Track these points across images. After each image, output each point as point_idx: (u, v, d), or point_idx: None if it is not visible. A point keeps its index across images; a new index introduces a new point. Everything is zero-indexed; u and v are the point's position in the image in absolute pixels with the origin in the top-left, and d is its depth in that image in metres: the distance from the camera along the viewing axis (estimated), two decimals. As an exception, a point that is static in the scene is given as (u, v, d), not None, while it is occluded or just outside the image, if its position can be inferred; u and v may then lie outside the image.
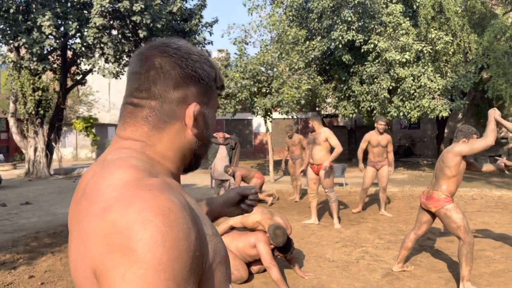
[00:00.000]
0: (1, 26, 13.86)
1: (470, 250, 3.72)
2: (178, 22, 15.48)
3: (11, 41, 13.98)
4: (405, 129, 22.63)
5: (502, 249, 5.05)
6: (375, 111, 14.30)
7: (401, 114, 14.11)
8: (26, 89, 14.62)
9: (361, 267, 4.58)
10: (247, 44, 13.67)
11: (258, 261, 4.19)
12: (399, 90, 13.80)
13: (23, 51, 14.69)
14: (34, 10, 13.36)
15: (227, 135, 9.64)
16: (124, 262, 0.59)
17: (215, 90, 0.87)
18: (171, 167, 0.80)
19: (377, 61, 13.55)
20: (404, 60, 13.02)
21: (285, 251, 4.04)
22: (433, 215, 4.08)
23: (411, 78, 13.32)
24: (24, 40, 13.22)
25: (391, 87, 13.70)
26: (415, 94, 13.59)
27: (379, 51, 13.17)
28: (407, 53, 12.99)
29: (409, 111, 13.79)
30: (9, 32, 13.66)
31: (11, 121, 15.75)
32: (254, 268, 4.36)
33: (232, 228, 4.40)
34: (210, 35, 16.52)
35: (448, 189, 3.91)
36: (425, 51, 13.15)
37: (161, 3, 14.04)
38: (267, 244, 3.99)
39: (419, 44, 13.26)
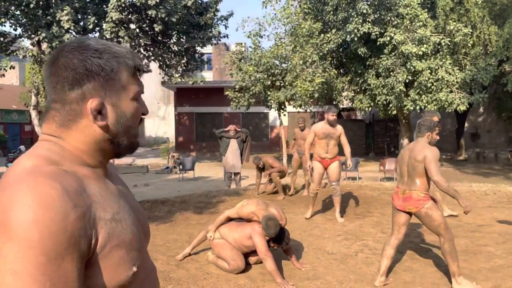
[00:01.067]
0: (23, 21, 14.26)
1: (452, 246, 3.68)
2: (193, 15, 15.60)
3: (32, 35, 14.38)
4: (424, 123, 22.24)
5: (505, 245, 4.97)
6: (391, 105, 14.12)
7: (417, 107, 13.88)
8: (47, 82, 15.03)
9: (358, 260, 4.60)
10: (262, 38, 13.69)
11: (255, 252, 4.26)
12: (415, 83, 13.57)
13: (44, 45, 15.11)
14: (53, 5, 13.69)
15: (238, 129, 9.72)
16: (2, 238, 0.69)
17: (123, 75, 0.89)
18: (86, 158, 0.89)
19: (393, 54, 13.33)
20: (421, 52, 12.77)
21: (279, 242, 4.09)
22: (410, 215, 3.89)
23: (428, 71, 13.07)
24: (44, 35, 13.59)
25: (407, 80, 13.48)
26: (432, 87, 13.34)
27: (396, 43, 12.96)
28: (424, 45, 12.74)
29: (426, 104, 13.55)
30: (29, 26, 14.04)
31: (33, 114, 16.24)
32: (252, 259, 4.44)
33: (230, 220, 4.48)
34: (226, 28, 16.58)
35: (424, 187, 3.76)
36: (443, 44, 12.87)
37: (177, -3, 14.16)
38: (262, 236, 4.05)
39: (437, 36, 12.98)
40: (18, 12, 14.18)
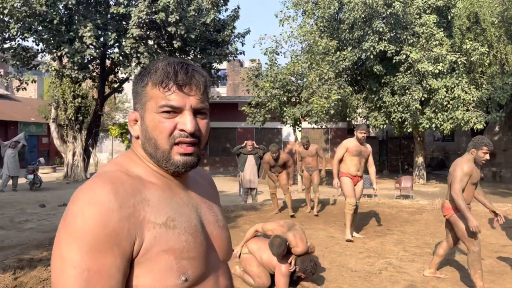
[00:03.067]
0: (46, 36, 14.68)
1: (476, 258, 3.94)
2: (211, 32, 15.90)
3: (54, 51, 14.78)
4: (439, 141, 22.14)
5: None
6: (406, 122, 14.13)
7: (433, 126, 13.88)
8: (67, 96, 15.38)
9: (383, 278, 4.60)
10: (278, 55, 13.89)
11: None
12: (431, 101, 13.60)
13: (65, 60, 15.49)
14: (76, 22, 14.09)
15: (256, 145, 9.80)
16: (60, 225, 0.83)
17: (148, 89, 0.93)
18: (151, 165, 0.96)
19: (409, 72, 13.42)
20: (437, 71, 12.84)
21: (304, 270, 4.03)
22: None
23: (444, 89, 13.12)
24: (66, 50, 13.95)
25: (423, 98, 13.53)
26: (448, 105, 13.36)
27: (411, 62, 13.06)
28: (441, 64, 12.82)
29: (442, 122, 13.55)
30: (52, 42, 14.43)
31: (52, 126, 16.57)
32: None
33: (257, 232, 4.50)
34: (242, 45, 16.85)
35: None
36: (460, 62, 12.92)
37: (195, 14, 14.47)
38: (285, 276, 4.02)
39: (453, 55, 13.05)
40: (41, 28, 14.62)
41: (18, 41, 15.02)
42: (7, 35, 14.38)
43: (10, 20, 13.69)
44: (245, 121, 14.67)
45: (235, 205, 9.36)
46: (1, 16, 13.66)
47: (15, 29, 13.66)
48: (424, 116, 13.98)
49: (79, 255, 0.78)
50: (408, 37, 13.36)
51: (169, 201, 0.91)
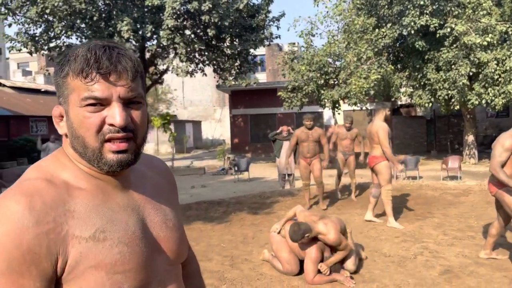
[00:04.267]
0: (88, 33, 15.23)
1: None
2: (245, 18, 15.78)
3: (96, 47, 15.30)
4: (492, 117, 20.85)
5: None
6: (453, 100, 13.38)
7: (483, 102, 13.04)
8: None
9: (418, 263, 4.40)
10: (314, 36, 13.56)
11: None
12: (480, 76, 12.76)
13: (107, 55, 16.01)
14: (114, 17, 14.48)
15: (291, 130, 9.69)
16: None
17: (68, 79, 0.81)
18: (82, 166, 0.86)
19: (454, 46, 12.64)
20: (485, 43, 11.99)
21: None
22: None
23: (495, 62, 12.25)
24: (106, 45, 14.39)
25: (471, 73, 12.72)
26: (499, 79, 12.48)
27: (457, 35, 12.27)
28: (490, 35, 11.95)
29: (493, 98, 12.70)
30: (93, 38, 14.95)
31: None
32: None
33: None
34: (277, 29, 16.60)
35: None
36: (511, 32, 11.98)
37: (229, 1, 14.40)
38: (314, 262, 3.95)
39: (503, 25, 12.12)
40: (83, 25, 15.17)
41: (63, 39, 15.68)
42: (52, 34, 15.05)
43: (54, 20, 14.31)
44: (283, 106, 14.52)
45: (272, 191, 9.34)
46: (45, 16, 14.30)
47: (59, 27, 14.26)
48: (473, 92, 13.15)
49: None
50: (453, 9, 12.54)
51: (100, 208, 0.82)
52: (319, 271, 3.98)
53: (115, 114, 0.80)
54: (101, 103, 0.80)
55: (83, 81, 0.79)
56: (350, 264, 4.13)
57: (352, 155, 8.49)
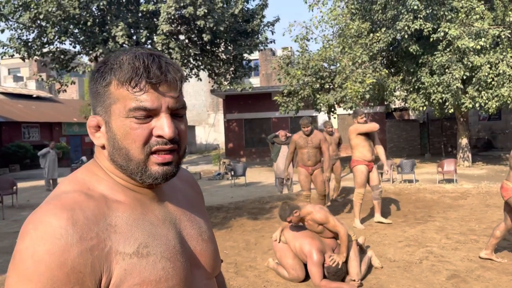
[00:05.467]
0: (81, 38, 15.12)
1: None
2: (240, 23, 15.79)
3: (90, 52, 15.21)
4: (484, 120, 21.05)
5: None
6: (447, 103, 13.50)
7: (477, 105, 13.17)
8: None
9: (424, 268, 4.39)
10: (309, 41, 13.60)
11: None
12: (474, 79, 12.90)
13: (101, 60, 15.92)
14: (109, 22, 14.40)
15: (288, 134, 9.67)
16: (10, 267, 0.70)
17: (112, 87, 0.77)
18: (118, 179, 0.82)
19: (448, 49, 12.77)
20: (479, 47, 12.13)
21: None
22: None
23: (488, 66, 12.39)
24: (101, 50, 14.31)
25: (464, 77, 12.84)
26: (492, 83, 12.63)
27: (450, 39, 12.40)
28: (483, 39, 12.09)
29: (486, 101, 12.84)
30: (87, 43, 14.85)
31: (92, 126, 17.11)
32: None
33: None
34: (272, 34, 16.64)
35: None
36: (503, 36, 12.14)
37: (224, 6, 14.41)
38: (317, 265, 3.93)
39: (496, 29, 12.27)
40: (76, 30, 15.06)
41: (56, 44, 15.55)
42: (45, 40, 14.92)
43: (47, 25, 14.19)
44: (279, 110, 14.53)
45: (270, 195, 9.30)
46: (38, 21, 14.18)
47: (52, 33, 14.15)
48: (467, 95, 13.28)
49: None
50: (446, 13, 12.68)
51: (141, 222, 0.78)
52: (325, 277, 3.96)
53: (164, 126, 0.77)
54: (149, 114, 0.77)
55: (130, 90, 0.76)
56: (354, 273, 4.09)
57: (338, 160, 8.60)
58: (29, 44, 14.92)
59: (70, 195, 0.74)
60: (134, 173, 0.79)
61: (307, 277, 4.20)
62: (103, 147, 0.81)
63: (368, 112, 21.11)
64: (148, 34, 14.51)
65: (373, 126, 6.30)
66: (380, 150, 6.53)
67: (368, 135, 6.34)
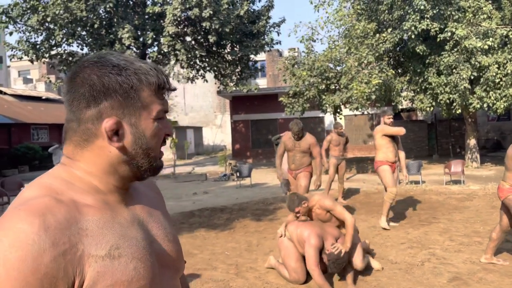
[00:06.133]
0: (88, 40, 15.26)
1: None
2: (246, 24, 15.81)
3: (97, 54, 15.34)
4: (493, 121, 20.82)
5: None
6: (455, 104, 13.37)
7: (485, 105, 13.02)
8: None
9: (425, 270, 4.35)
10: (314, 41, 13.57)
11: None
12: (482, 79, 12.75)
13: (108, 62, 16.04)
14: (115, 24, 14.51)
15: (294, 134, 9.67)
16: None
17: (143, 93, 0.83)
18: (97, 183, 0.83)
19: (455, 50, 12.63)
20: (486, 47, 11.99)
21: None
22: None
23: (496, 66, 12.24)
24: (107, 52, 14.42)
25: (472, 77, 12.71)
26: (501, 83, 12.47)
27: (458, 39, 12.27)
28: (490, 39, 11.96)
29: (494, 101, 12.68)
30: (94, 45, 14.98)
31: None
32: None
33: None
34: (278, 35, 16.63)
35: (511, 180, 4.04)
36: (511, 36, 11.98)
37: (229, 7, 14.44)
38: (314, 248, 3.92)
39: (503, 28, 12.13)
40: (84, 33, 15.20)
41: (64, 47, 15.72)
42: (53, 42, 15.09)
43: (55, 27, 14.34)
44: (285, 111, 14.52)
45: (275, 197, 9.30)
46: (46, 24, 14.34)
47: (60, 35, 14.30)
48: (475, 95, 13.14)
49: None
50: (453, 13, 12.56)
51: (111, 224, 0.79)
52: (324, 265, 3.93)
53: (169, 126, 0.90)
54: (163, 116, 0.88)
55: (159, 96, 0.86)
56: (357, 260, 4.10)
57: (344, 161, 8.66)
58: (37, 46, 15.10)
59: (40, 200, 0.74)
60: (144, 168, 0.86)
61: (307, 279, 4.19)
62: (120, 148, 0.82)
63: (375, 113, 21.00)
64: (154, 36, 14.60)
65: (399, 130, 6.17)
66: (401, 155, 6.50)
67: (393, 138, 6.29)
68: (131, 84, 0.82)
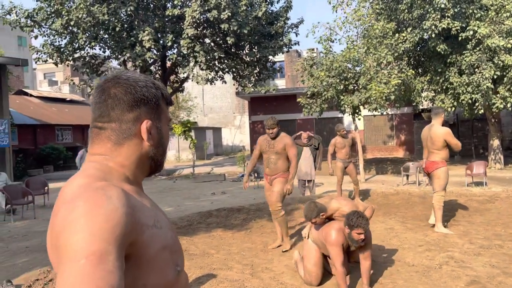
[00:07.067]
0: (110, 43, 15.57)
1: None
2: (264, 26, 15.85)
3: (119, 56, 15.65)
4: (519, 121, 20.28)
5: None
6: (477, 104, 13.10)
7: (508, 105, 12.72)
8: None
9: (443, 273, 4.30)
10: (333, 42, 13.49)
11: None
12: (505, 79, 12.47)
13: (129, 64, 16.34)
14: (136, 27, 14.76)
15: (311, 134, 9.65)
16: (64, 242, 0.81)
17: (164, 105, 1.07)
18: (128, 173, 1.01)
19: (477, 48, 12.40)
20: (510, 45, 11.72)
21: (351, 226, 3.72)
22: None
23: (520, 65, 11.94)
24: (128, 55, 14.70)
25: (495, 76, 12.43)
26: (525, 82, 12.17)
27: (480, 37, 12.04)
28: (514, 37, 11.68)
29: (518, 101, 12.38)
30: (116, 48, 15.27)
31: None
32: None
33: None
34: (296, 36, 16.62)
35: None
36: (536, 34, 11.68)
37: (247, 9, 14.51)
38: (337, 245, 3.90)
39: (528, 26, 11.81)
40: (106, 36, 15.53)
41: (87, 50, 16.09)
42: (76, 45, 15.46)
43: (78, 31, 14.70)
44: (303, 112, 14.48)
45: (292, 198, 9.29)
46: (70, 28, 14.70)
47: (83, 38, 14.65)
48: (498, 95, 12.85)
49: (89, 251, 0.78)
50: (475, 11, 12.32)
51: (145, 204, 0.97)
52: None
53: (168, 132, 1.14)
54: None
55: (168, 108, 1.12)
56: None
57: (351, 163, 8.56)
58: (61, 49, 15.50)
59: (100, 183, 0.89)
60: (158, 163, 1.07)
61: (323, 279, 4.19)
62: (151, 146, 1.03)
63: (395, 113, 20.73)
64: (174, 38, 14.79)
65: (458, 146, 5.92)
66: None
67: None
68: (159, 96, 1.05)
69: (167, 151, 1.10)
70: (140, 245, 0.88)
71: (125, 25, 15.17)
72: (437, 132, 5.89)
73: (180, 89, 18.74)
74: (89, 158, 1.02)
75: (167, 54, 16.80)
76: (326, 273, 4.33)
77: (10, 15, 15.10)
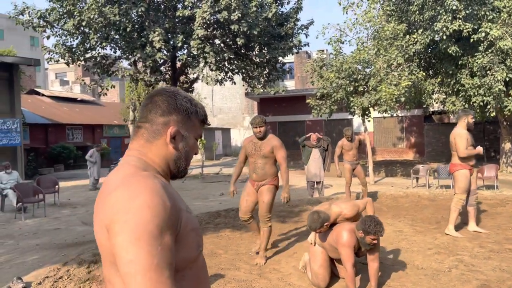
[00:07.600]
0: (121, 44, 15.70)
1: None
2: (274, 27, 15.85)
3: (129, 56, 15.78)
4: (532, 124, 19.98)
5: None
6: (489, 106, 12.96)
7: (521, 108, 12.57)
8: (143, 99, 16.35)
9: (452, 277, 4.26)
10: (343, 43, 13.45)
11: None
12: (518, 81, 12.32)
13: (139, 64, 16.46)
14: (146, 28, 14.86)
15: (320, 135, 9.63)
16: (125, 216, 0.97)
17: (196, 120, 1.24)
18: (158, 169, 1.19)
19: (489, 51, 12.27)
20: (523, 47, 11.58)
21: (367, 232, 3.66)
22: None
23: (533, 67, 11.79)
24: (139, 55, 14.80)
25: (507, 79, 12.29)
26: (538, 85, 12.01)
27: (492, 39, 11.91)
28: (527, 39, 11.53)
29: (531, 104, 12.22)
30: (126, 48, 15.39)
31: (131, 128, 17.74)
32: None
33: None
34: (306, 37, 16.59)
35: None
36: (550, 36, 11.53)
37: (257, 10, 14.52)
38: (348, 247, 3.86)
39: (541, 28, 11.66)
40: (117, 36, 15.66)
41: (98, 50, 16.24)
42: (88, 45, 15.61)
43: (90, 31, 14.84)
44: (312, 113, 14.45)
45: (300, 199, 9.28)
46: (81, 28, 14.86)
47: (94, 39, 14.78)
48: (510, 98, 12.71)
49: (152, 236, 0.95)
50: (487, 13, 12.19)
51: (177, 192, 1.14)
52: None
53: (198, 147, 1.31)
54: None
55: (201, 124, 1.28)
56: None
57: (359, 164, 8.57)
58: (73, 49, 15.66)
59: (146, 172, 1.09)
60: (180, 169, 1.23)
61: (331, 281, 4.18)
62: (174, 149, 1.19)
63: (405, 115, 20.59)
64: (184, 39, 14.85)
65: (460, 151, 5.85)
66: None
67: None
68: (192, 111, 1.23)
69: (190, 160, 1.25)
70: (180, 225, 1.05)
71: (136, 26, 15.28)
72: (452, 133, 6.00)
73: (190, 89, 18.80)
74: (127, 152, 1.20)
75: (177, 55, 16.88)
76: (334, 276, 4.31)
77: (23, 15, 15.30)
